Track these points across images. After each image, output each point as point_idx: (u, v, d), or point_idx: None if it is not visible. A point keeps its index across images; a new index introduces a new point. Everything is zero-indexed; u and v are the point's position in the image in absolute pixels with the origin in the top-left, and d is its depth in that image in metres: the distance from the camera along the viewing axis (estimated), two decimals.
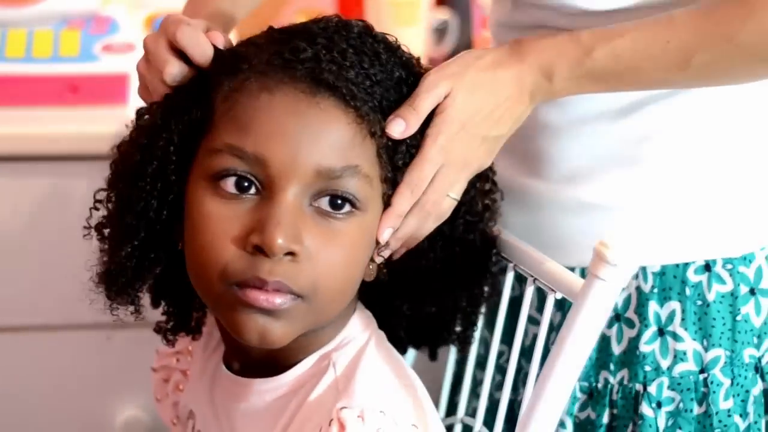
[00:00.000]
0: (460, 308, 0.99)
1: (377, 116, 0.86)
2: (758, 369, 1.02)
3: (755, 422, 1.02)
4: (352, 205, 0.85)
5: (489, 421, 1.01)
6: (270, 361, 0.91)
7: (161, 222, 0.89)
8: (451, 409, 1.10)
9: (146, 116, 0.92)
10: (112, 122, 1.55)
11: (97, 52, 1.61)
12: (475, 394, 1.08)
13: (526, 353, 1.06)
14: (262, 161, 0.83)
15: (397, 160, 0.87)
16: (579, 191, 1.03)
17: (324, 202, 0.84)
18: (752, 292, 1.02)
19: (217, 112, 0.86)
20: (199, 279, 0.87)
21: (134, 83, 1.61)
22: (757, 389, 1.02)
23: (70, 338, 1.56)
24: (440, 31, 1.86)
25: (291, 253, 0.83)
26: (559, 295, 0.92)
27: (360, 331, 0.92)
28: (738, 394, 1.01)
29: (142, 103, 1.66)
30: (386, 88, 0.87)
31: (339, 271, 0.85)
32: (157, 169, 0.89)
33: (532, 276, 0.96)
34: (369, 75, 0.86)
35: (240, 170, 0.84)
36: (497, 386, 1.08)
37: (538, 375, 0.89)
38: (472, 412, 1.05)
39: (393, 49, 0.90)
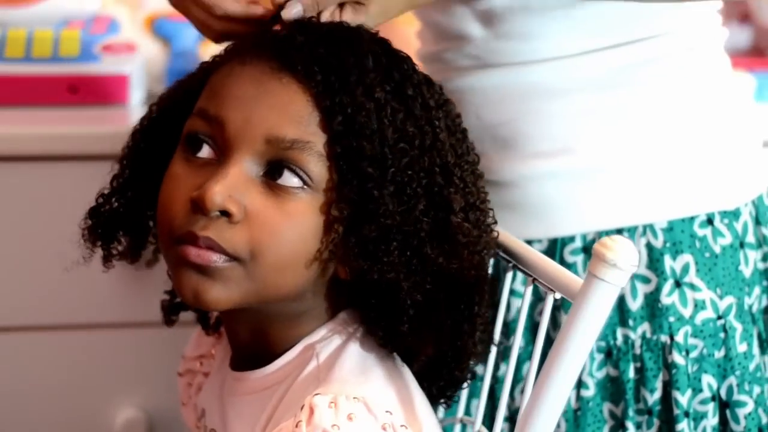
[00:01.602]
0: (444, 358, 0.93)
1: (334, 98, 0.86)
2: (751, 315, 1.09)
3: (757, 364, 1.09)
4: (303, 180, 0.85)
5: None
6: (259, 354, 0.92)
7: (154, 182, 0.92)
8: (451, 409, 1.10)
9: (171, 87, 0.97)
10: (112, 122, 1.56)
11: (97, 52, 1.61)
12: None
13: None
14: (221, 122, 0.86)
15: (335, 127, 0.85)
16: (575, 161, 1.06)
17: (274, 174, 0.86)
18: (741, 245, 1.08)
19: (207, 83, 0.91)
20: (159, 238, 0.91)
21: (134, 83, 1.62)
22: (755, 332, 1.09)
23: (70, 338, 1.56)
24: None
25: (227, 214, 0.84)
26: (558, 295, 0.91)
27: (347, 326, 0.92)
28: (746, 339, 1.08)
29: (139, 104, 1.66)
30: (355, 75, 0.87)
31: (280, 241, 0.85)
32: (159, 135, 0.94)
33: (532, 276, 0.96)
34: (339, 62, 0.86)
35: (202, 132, 0.87)
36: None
37: (537, 375, 0.89)
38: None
39: (383, 51, 0.90)
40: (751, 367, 1.07)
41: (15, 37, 1.60)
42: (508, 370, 0.97)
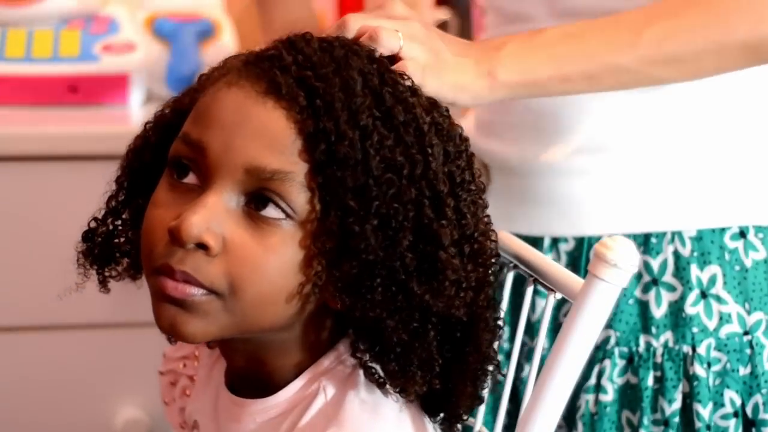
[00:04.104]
0: (439, 395, 0.89)
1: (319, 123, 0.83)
2: None
3: None
4: (284, 212, 0.82)
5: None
6: (258, 381, 0.90)
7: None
8: None
9: (165, 104, 0.93)
10: (112, 122, 1.56)
11: (97, 52, 1.61)
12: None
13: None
14: (202, 149, 0.83)
15: (318, 156, 0.82)
16: (610, 159, 1.05)
17: (255, 205, 0.82)
18: None
19: (195, 104, 0.88)
20: (142, 264, 0.87)
21: (134, 83, 1.62)
22: None
23: (70, 338, 1.56)
24: None
25: (204, 246, 0.81)
26: (559, 295, 0.91)
27: (350, 355, 0.88)
28: None
29: (139, 104, 1.66)
30: (341, 100, 0.83)
31: (260, 276, 0.82)
32: (152, 155, 0.91)
33: (532, 276, 0.95)
34: (324, 86, 0.83)
35: (185, 157, 0.84)
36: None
37: (537, 375, 0.89)
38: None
39: (378, 73, 0.86)
40: None
41: (15, 37, 1.60)
42: (508, 372, 0.97)
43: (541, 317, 0.97)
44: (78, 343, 1.56)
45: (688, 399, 1.04)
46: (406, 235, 0.82)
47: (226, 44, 1.67)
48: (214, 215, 0.81)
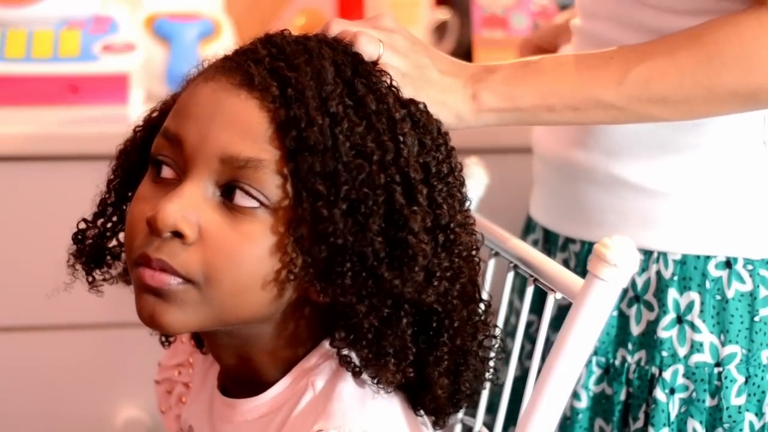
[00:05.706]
0: (416, 386, 0.89)
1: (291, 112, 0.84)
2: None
3: (763, 425, 1.03)
4: (258, 200, 0.83)
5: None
6: (248, 381, 0.90)
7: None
8: None
9: (152, 108, 0.95)
10: (112, 122, 1.56)
11: (97, 52, 1.61)
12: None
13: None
14: (179, 141, 0.85)
15: (289, 143, 0.83)
16: (613, 166, 1.05)
17: (230, 194, 0.83)
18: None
19: (176, 101, 0.89)
20: (126, 260, 0.88)
21: (134, 83, 1.62)
22: None
23: (70, 338, 1.56)
24: (440, 31, 1.86)
25: (180, 235, 0.82)
26: (559, 296, 0.91)
27: (329, 344, 0.89)
28: (754, 393, 1.02)
29: (139, 104, 1.66)
30: (312, 88, 0.84)
31: (235, 264, 0.83)
32: (139, 156, 0.92)
33: (533, 276, 0.95)
34: (296, 76, 0.84)
35: (164, 151, 0.86)
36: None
37: (538, 375, 0.89)
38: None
39: (351, 63, 0.87)
40: (758, 425, 1.02)
41: (15, 37, 1.60)
42: (509, 371, 0.97)
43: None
44: (78, 343, 1.56)
45: (648, 420, 1.03)
46: (376, 220, 0.83)
47: (226, 44, 1.67)
48: (189, 204, 0.83)
